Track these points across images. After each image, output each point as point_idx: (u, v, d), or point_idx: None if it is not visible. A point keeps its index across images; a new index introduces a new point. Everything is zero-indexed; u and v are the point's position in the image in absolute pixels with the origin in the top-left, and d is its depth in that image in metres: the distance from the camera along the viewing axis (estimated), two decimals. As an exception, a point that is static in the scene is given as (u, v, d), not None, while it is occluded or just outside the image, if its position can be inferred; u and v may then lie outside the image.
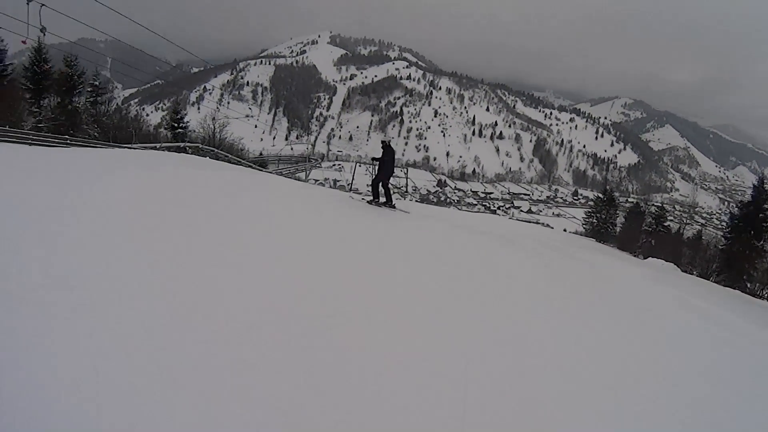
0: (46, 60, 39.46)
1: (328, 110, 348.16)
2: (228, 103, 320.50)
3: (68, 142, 29.38)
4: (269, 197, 12.43)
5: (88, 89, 43.13)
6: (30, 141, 26.48)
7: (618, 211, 58.69)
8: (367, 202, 16.48)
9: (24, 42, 19.28)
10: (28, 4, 16.81)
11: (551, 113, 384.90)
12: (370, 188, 17.69)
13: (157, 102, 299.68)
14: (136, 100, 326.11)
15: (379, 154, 16.31)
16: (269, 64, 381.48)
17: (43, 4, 17.50)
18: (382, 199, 16.49)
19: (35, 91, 39.08)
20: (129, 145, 33.44)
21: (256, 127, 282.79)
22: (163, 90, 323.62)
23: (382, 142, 16.66)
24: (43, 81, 39.32)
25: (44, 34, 18.18)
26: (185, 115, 55.75)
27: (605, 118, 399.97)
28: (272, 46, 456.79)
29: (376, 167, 16.77)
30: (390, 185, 16.73)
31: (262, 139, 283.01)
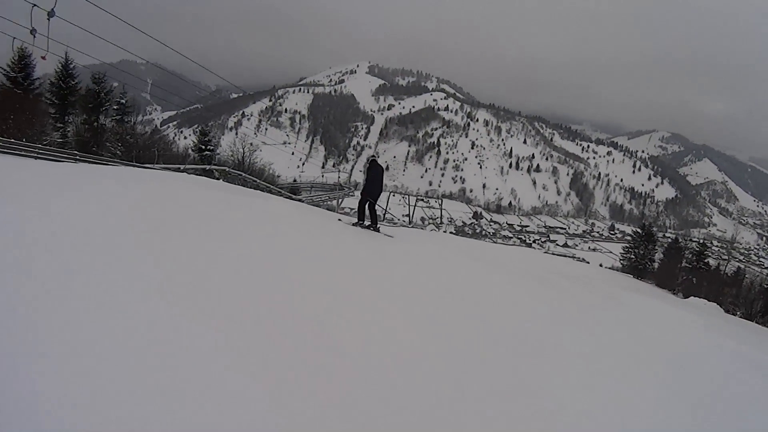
0: (72, 76, 39.82)
1: (365, 139, 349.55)
2: (266, 129, 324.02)
3: (77, 158, 29.17)
4: (245, 216, 11.60)
5: (115, 107, 43.19)
6: (36, 155, 26.51)
7: (656, 247, 57.56)
8: (352, 224, 15.35)
9: (44, 57, 19.24)
10: (48, 19, 16.67)
11: (588, 146, 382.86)
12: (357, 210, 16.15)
13: (196, 125, 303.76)
14: (175, 123, 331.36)
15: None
16: (308, 92, 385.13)
17: (35, 5, 17.39)
18: (368, 222, 15.57)
19: (60, 107, 39.43)
20: (150, 165, 32.90)
21: (293, 154, 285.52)
22: (201, 114, 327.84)
23: (367, 158, 15.87)
24: (69, 97, 39.67)
25: (34, 36, 17.22)
26: (214, 136, 55.70)
27: (642, 151, 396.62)
28: (311, 75, 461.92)
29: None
30: (377, 206, 15.96)
31: (298, 167, 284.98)
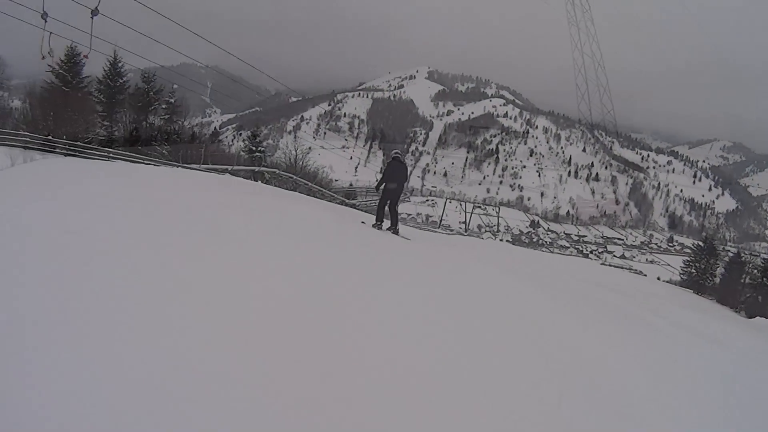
0: (120, 74, 40.34)
1: (423, 145, 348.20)
2: (324, 133, 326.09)
3: (109, 155, 28.70)
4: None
5: (163, 107, 43.19)
6: (65, 152, 26.71)
7: (717, 261, 55.73)
8: (372, 225, 14.61)
9: (86, 56, 19.59)
10: (92, 18, 17.00)
11: (648, 155, 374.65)
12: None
13: (254, 128, 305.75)
14: (234, 126, 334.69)
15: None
16: (367, 97, 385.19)
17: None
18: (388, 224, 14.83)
19: (108, 105, 39.85)
20: (195, 166, 32.86)
21: (351, 158, 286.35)
22: (260, 117, 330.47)
23: (390, 154, 14.62)
24: (117, 95, 40.13)
25: (45, 21, 17.21)
26: (273, 139, 55.02)
27: (703, 161, 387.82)
28: (370, 80, 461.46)
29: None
30: (397, 208, 15.02)
31: (356, 171, 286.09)
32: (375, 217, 15.08)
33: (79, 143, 29.58)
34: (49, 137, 27.49)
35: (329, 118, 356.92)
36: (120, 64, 39.96)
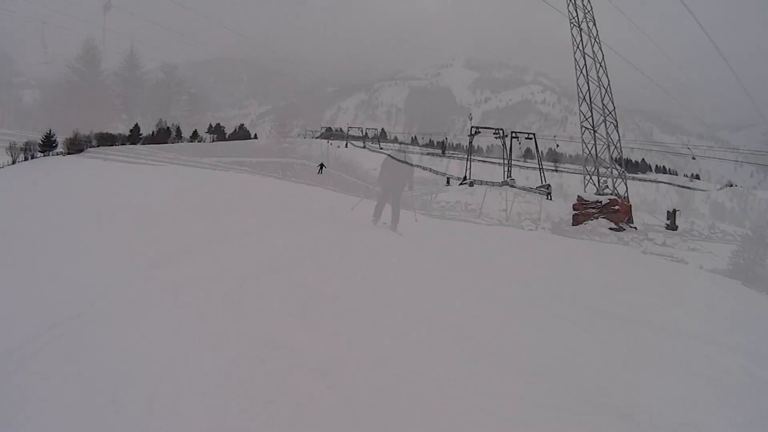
0: (137, 66, 38.75)
1: (461, 133, 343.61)
2: (362, 123, 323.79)
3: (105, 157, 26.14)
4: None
5: (184, 98, 41.03)
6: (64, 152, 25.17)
7: (767, 251, 53.75)
8: (372, 221, 13.83)
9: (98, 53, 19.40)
10: (105, 13, 17.06)
11: (688, 140, 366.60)
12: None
13: (284, 119, 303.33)
14: (270, 117, 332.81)
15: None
16: (404, 85, 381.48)
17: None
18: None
19: (125, 98, 38.20)
20: (216, 159, 31.83)
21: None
22: (298, 108, 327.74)
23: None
24: (135, 87, 38.66)
25: None
26: (311, 130, 53.29)
27: (744, 146, 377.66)
28: (407, 69, 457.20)
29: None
30: (399, 204, 14.08)
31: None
32: (373, 211, 14.06)
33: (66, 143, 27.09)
34: (52, 136, 25.54)
35: (366, 108, 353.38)
36: (137, 57, 38.55)
